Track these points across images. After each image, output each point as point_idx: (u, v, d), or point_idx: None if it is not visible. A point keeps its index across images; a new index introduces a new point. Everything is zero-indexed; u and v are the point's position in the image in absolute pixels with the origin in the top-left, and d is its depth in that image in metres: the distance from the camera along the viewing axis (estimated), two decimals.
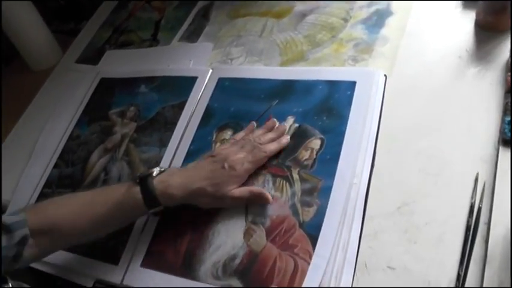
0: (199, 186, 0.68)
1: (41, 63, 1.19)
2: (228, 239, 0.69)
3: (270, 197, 0.70)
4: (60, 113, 1.01)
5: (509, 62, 0.73)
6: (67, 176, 0.91)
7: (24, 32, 1.14)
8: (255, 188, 0.71)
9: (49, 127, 1.01)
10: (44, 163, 0.95)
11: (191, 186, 0.68)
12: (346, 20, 0.90)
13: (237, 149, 0.72)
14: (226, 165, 0.69)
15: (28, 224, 0.64)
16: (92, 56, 1.12)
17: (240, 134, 0.78)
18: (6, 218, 0.64)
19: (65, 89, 1.06)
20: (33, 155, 0.97)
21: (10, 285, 0.70)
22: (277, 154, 0.75)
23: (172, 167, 0.79)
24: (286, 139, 0.75)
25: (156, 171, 0.70)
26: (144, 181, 0.68)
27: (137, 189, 0.68)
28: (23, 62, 1.19)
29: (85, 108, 0.99)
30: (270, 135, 0.75)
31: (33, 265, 0.78)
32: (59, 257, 0.77)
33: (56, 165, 0.93)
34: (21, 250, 0.63)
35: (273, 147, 0.74)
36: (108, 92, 1.00)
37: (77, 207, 0.69)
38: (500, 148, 0.67)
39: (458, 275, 0.59)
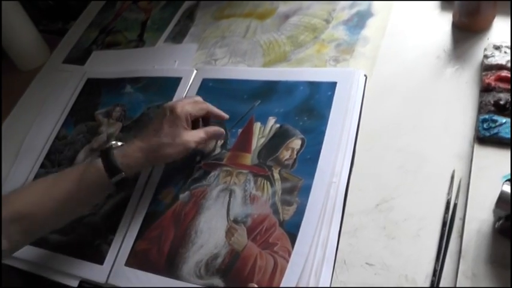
0: (157, 141, 0.71)
1: (28, 63, 1.19)
2: (211, 238, 0.71)
3: (223, 131, 0.78)
4: (47, 113, 1.02)
5: (483, 62, 0.75)
6: None
7: (12, 32, 1.14)
8: (209, 127, 0.77)
9: (36, 127, 1.02)
10: (30, 163, 0.95)
11: (149, 145, 0.71)
12: (328, 21, 0.92)
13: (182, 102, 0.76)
14: (167, 111, 0.73)
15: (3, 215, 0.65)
16: (79, 56, 1.13)
17: None
18: None
19: (51, 89, 1.07)
20: (19, 155, 0.98)
21: None
22: (259, 153, 0.76)
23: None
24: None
25: (113, 144, 0.74)
26: (104, 152, 0.71)
27: (98, 161, 0.70)
28: (10, 61, 1.19)
29: (71, 109, 1.00)
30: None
31: (19, 266, 0.79)
32: (45, 257, 0.79)
33: (42, 165, 0.94)
34: None
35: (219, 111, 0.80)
36: (95, 92, 1.01)
37: (41, 190, 0.70)
38: (475, 145, 0.68)
39: (435, 269, 0.61)
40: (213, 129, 0.77)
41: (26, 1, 1.16)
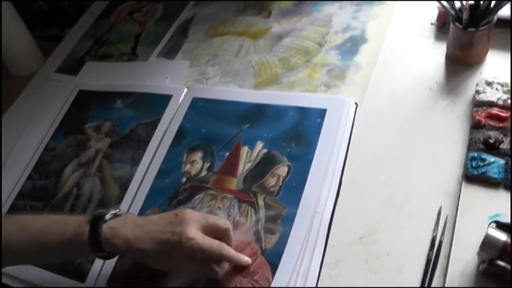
0: (143, 247, 0.64)
1: (21, 69, 1.18)
2: None
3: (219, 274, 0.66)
4: (37, 123, 1.01)
5: (475, 97, 0.74)
6: (40, 188, 0.91)
7: (6, 37, 1.13)
8: (209, 263, 0.66)
9: (25, 137, 1.01)
10: (17, 174, 0.94)
11: (134, 244, 0.64)
12: (321, 45, 0.91)
13: (199, 224, 0.65)
14: (177, 231, 0.63)
15: None
16: (71, 67, 1.12)
17: None
18: None
19: (43, 98, 1.06)
20: (6, 165, 0.97)
21: None
22: (245, 178, 0.76)
23: (130, 213, 0.75)
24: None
25: (109, 215, 0.67)
26: (95, 223, 0.66)
27: (87, 229, 0.66)
28: (3, 66, 1.18)
29: (62, 120, 0.99)
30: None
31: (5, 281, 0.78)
32: (25, 271, 0.78)
33: (29, 177, 0.93)
34: None
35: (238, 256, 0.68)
36: (85, 105, 1.00)
37: (30, 233, 0.68)
38: (463, 183, 0.68)
39: None
40: (211, 269, 0.66)
41: (22, 5, 1.15)
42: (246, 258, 0.67)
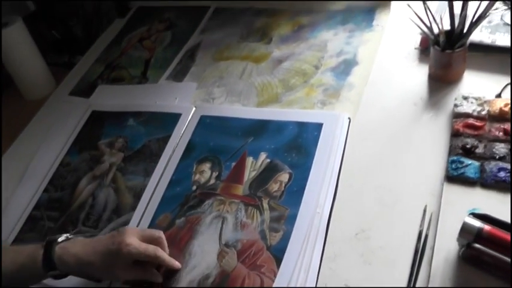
0: (88, 260, 0.72)
1: (34, 93, 1.27)
2: (203, 260, 0.77)
3: (160, 279, 0.75)
4: (52, 140, 1.08)
5: (454, 110, 0.84)
6: (56, 199, 0.97)
7: (21, 62, 1.22)
8: (149, 267, 0.75)
9: (41, 153, 1.07)
10: (34, 187, 1.01)
11: (83, 258, 0.72)
12: (317, 67, 1.01)
13: (137, 235, 0.74)
14: (116, 242, 0.72)
15: None
16: (84, 89, 1.20)
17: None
18: None
19: (57, 118, 1.13)
20: (23, 179, 1.03)
21: None
22: (251, 185, 0.84)
23: (80, 236, 0.79)
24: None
25: (63, 237, 0.75)
26: (48, 245, 0.73)
27: (41, 252, 0.73)
28: (17, 90, 1.27)
29: (76, 138, 1.07)
30: None
31: None
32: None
33: (45, 190, 1.00)
34: None
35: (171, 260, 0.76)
36: (98, 123, 1.08)
37: None
38: (445, 183, 0.76)
39: None
40: (151, 273, 0.75)
41: (36, 33, 1.24)
42: (177, 263, 0.76)
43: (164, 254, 0.75)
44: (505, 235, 0.64)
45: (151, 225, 0.84)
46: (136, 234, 0.74)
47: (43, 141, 1.10)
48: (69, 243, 0.75)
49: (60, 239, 0.75)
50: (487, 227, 0.65)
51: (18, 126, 1.18)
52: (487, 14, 0.83)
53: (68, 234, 0.77)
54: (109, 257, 0.72)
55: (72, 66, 1.31)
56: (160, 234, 0.77)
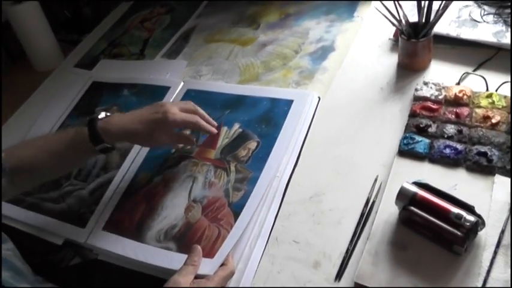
0: (134, 127, 0.82)
1: (44, 65, 1.37)
2: (173, 212, 0.86)
3: (194, 141, 0.91)
4: (55, 105, 1.18)
5: (414, 93, 0.91)
6: None
7: (33, 37, 1.33)
8: (183, 133, 0.91)
9: (43, 116, 1.17)
10: None
11: (126, 127, 0.82)
12: (297, 52, 1.09)
13: (177, 107, 0.85)
14: (160, 114, 0.82)
15: (6, 164, 0.79)
16: (88, 63, 1.31)
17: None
18: None
19: (61, 87, 1.24)
20: (26, 137, 1.11)
21: None
22: (222, 150, 0.92)
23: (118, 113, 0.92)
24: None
25: (102, 114, 0.84)
26: (91, 122, 0.82)
27: (85, 129, 0.82)
28: (29, 62, 1.38)
29: (76, 105, 1.17)
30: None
31: (14, 225, 0.94)
32: (38, 219, 0.94)
33: None
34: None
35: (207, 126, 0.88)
36: (97, 93, 1.18)
37: (39, 146, 0.84)
38: (396, 157, 0.84)
39: (348, 249, 0.75)
40: (185, 136, 0.92)
41: (48, 12, 1.35)
42: (213, 129, 0.89)
43: (202, 121, 0.87)
44: (436, 200, 0.72)
45: (133, 182, 0.94)
46: (177, 105, 0.85)
47: (46, 106, 1.20)
48: (109, 118, 0.84)
49: (100, 116, 0.84)
50: (421, 192, 0.73)
51: (27, 94, 1.28)
52: (446, 8, 0.90)
53: (105, 112, 0.86)
54: (154, 125, 0.82)
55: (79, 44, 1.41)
56: (196, 106, 0.88)
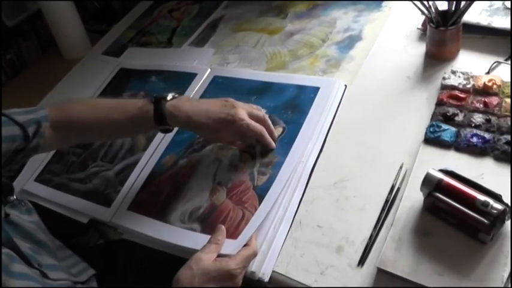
0: (203, 122, 0.82)
1: (72, 53, 1.40)
2: (197, 194, 0.87)
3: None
4: (83, 90, 1.20)
5: (442, 82, 0.90)
6: None
7: (63, 26, 1.36)
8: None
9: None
10: None
11: (195, 118, 0.82)
12: (324, 41, 1.09)
13: (247, 111, 0.85)
14: (231, 113, 0.82)
15: (50, 118, 0.81)
16: (116, 50, 1.33)
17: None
18: (20, 117, 0.78)
19: (89, 73, 1.27)
20: None
21: (15, 197, 0.81)
22: None
23: (185, 96, 0.94)
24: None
25: (170, 96, 0.84)
26: (158, 102, 0.82)
27: (151, 107, 0.82)
28: (58, 50, 1.41)
29: (103, 90, 1.19)
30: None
31: (41, 203, 0.96)
32: (64, 198, 0.96)
33: None
34: (39, 141, 0.79)
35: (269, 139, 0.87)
36: (125, 79, 1.20)
37: (100, 110, 0.85)
38: (422, 145, 0.83)
39: (371, 235, 0.75)
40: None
41: (78, 2, 1.38)
42: (273, 144, 0.87)
43: (266, 134, 0.86)
44: (462, 187, 0.71)
45: (158, 164, 0.95)
46: (246, 110, 0.85)
47: (75, 91, 1.22)
48: (178, 101, 0.84)
49: (168, 97, 0.84)
50: (446, 179, 0.72)
51: (55, 80, 1.31)
52: None
53: (173, 93, 0.85)
54: (221, 124, 0.83)
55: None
56: (266, 116, 0.88)
